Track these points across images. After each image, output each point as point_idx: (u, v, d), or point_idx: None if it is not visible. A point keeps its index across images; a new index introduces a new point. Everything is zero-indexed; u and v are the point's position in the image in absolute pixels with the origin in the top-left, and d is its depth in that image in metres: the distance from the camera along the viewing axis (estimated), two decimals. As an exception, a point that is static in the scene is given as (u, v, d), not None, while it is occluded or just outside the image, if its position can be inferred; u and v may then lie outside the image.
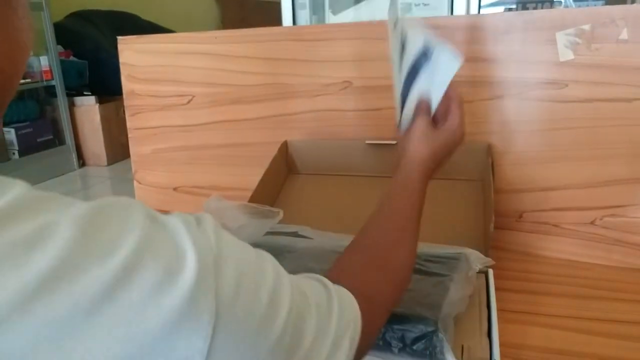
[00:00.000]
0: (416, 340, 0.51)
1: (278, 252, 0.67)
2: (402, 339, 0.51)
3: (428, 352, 0.50)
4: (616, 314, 0.69)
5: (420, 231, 0.75)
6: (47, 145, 3.30)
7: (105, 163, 3.49)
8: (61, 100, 3.32)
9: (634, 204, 0.81)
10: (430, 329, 0.51)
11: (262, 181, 0.86)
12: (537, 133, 0.85)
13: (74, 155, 3.43)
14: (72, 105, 3.45)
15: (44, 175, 3.20)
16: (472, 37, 0.85)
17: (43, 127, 3.30)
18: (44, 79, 3.22)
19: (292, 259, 0.68)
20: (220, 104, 1.07)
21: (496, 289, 0.64)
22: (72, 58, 3.59)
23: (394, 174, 0.57)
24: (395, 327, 0.52)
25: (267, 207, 0.75)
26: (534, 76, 0.83)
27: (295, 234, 0.76)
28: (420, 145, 0.59)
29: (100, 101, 3.43)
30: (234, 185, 1.09)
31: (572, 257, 0.84)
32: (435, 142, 0.59)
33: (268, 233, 0.73)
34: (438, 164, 0.60)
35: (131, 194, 1.22)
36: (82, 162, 3.51)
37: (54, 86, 3.27)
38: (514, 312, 0.69)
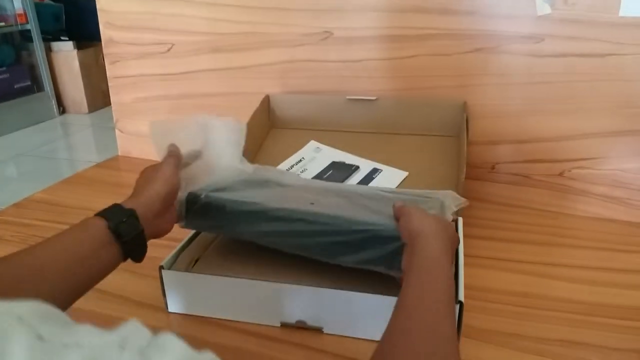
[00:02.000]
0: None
1: (266, 185, 0.70)
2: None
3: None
4: (577, 260, 0.74)
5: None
6: (25, 91, 3.23)
7: (86, 110, 3.43)
8: (37, 45, 3.22)
9: (601, 157, 0.84)
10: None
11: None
12: (513, 87, 0.87)
13: (54, 102, 3.37)
14: (49, 50, 3.35)
15: (24, 122, 3.15)
16: (451, -11, 0.85)
17: (20, 73, 3.22)
18: (19, 23, 3.12)
19: (283, 191, 0.70)
20: (200, 53, 1.06)
21: (466, 236, 0.67)
22: (47, 1, 3.46)
23: (411, 265, 0.49)
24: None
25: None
26: (511, 30, 0.84)
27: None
28: (425, 218, 0.53)
29: (79, 47, 3.34)
30: (215, 135, 1.10)
31: (541, 207, 0.88)
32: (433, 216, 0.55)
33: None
34: (450, 235, 0.53)
35: (114, 141, 1.22)
36: (62, 109, 3.46)
37: (29, 30, 3.17)
38: (481, 258, 0.73)
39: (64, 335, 0.22)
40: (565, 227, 0.83)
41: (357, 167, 0.83)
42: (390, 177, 0.81)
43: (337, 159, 0.86)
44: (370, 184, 0.79)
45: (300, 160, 0.85)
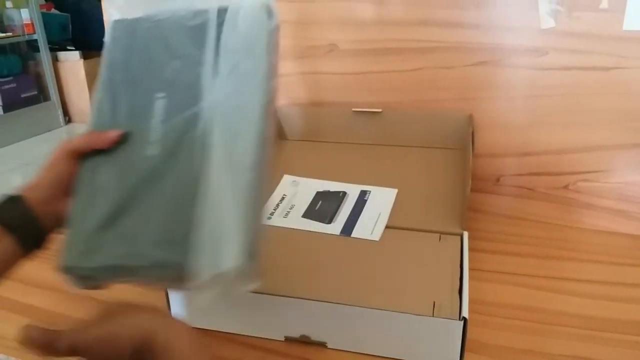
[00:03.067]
0: None
1: None
2: None
3: None
4: (585, 274, 0.73)
5: (400, 195, 0.79)
6: (32, 101, 3.26)
7: (92, 120, 3.46)
8: (44, 55, 3.26)
9: (606, 170, 0.84)
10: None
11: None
12: (517, 100, 0.87)
13: (60, 112, 3.40)
14: (55, 60, 3.39)
15: (30, 132, 3.17)
16: (453, 1, 0.86)
17: (27, 83, 3.25)
18: (26, 33, 3.15)
19: None
20: (207, 65, 1.07)
21: (471, 249, 0.67)
22: (53, 10, 3.50)
23: None
24: None
25: None
26: (515, 43, 0.84)
27: None
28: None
29: (84, 56, 3.38)
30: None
31: (546, 220, 0.87)
32: None
33: None
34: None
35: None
36: (68, 118, 3.48)
37: (36, 40, 3.20)
38: (486, 272, 0.73)
39: None
40: (571, 240, 0.83)
41: (345, 193, 0.81)
42: (382, 197, 0.79)
43: (320, 189, 0.82)
44: (365, 207, 0.77)
45: (283, 198, 0.80)
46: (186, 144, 0.47)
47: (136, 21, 0.55)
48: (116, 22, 0.56)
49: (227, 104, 0.46)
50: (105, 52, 0.55)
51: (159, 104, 0.50)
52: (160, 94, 0.50)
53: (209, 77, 0.48)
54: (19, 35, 3.14)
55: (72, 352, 0.36)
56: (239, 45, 0.48)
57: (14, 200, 0.47)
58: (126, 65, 0.54)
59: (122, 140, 0.50)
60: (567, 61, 0.82)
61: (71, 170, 0.51)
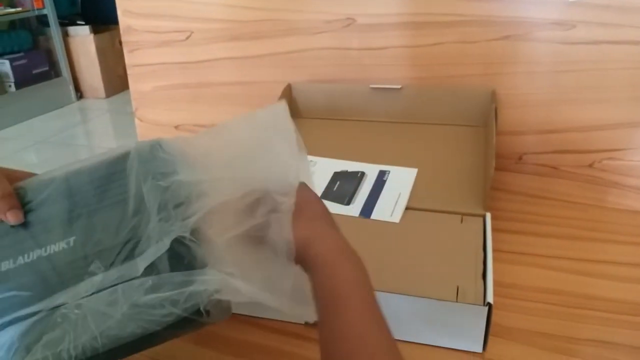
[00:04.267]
0: None
1: None
2: None
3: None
4: (609, 256, 0.71)
5: (421, 175, 0.77)
6: (43, 77, 3.25)
7: (104, 95, 3.45)
8: (54, 30, 3.24)
9: (632, 148, 0.81)
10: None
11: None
12: (542, 75, 0.84)
13: (72, 88, 3.39)
14: (65, 35, 3.37)
15: (43, 108, 3.18)
16: (480, -27, 0.83)
17: (38, 58, 3.24)
18: (35, 7, 3.13)
19: None
20: (220, 41, 1.05)
21: (493, 230, 0.66)
22: (62, -16, 3.46)
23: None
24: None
25: None
26: (541, 16, 0.81)
27: None
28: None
29: (94, 31, 3.35)
30: (235, 124, 1.09)
31: (570, 199, 0.85)
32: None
33: None
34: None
35: (132, 127, 1.22)
36: (79, 94, 3.48)
37: (45, 15, 3.18)
38: (509, 253, 0.72)
39: None
40: (596, 220, 0.80)
41: (363, 173, 0.79)
42: (401, 177, 0.77)
43: (337, 169, 0.81)
44: (384, 188, 0.75)
45: None
46: None
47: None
48: None
49: None
50: None
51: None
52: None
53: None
54: (29, 10, 3.11)
55: None
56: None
57: None
58: None
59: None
60: (595, 35, 0.79)
61: None
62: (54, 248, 0.43)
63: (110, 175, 0.46)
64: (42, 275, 0.42)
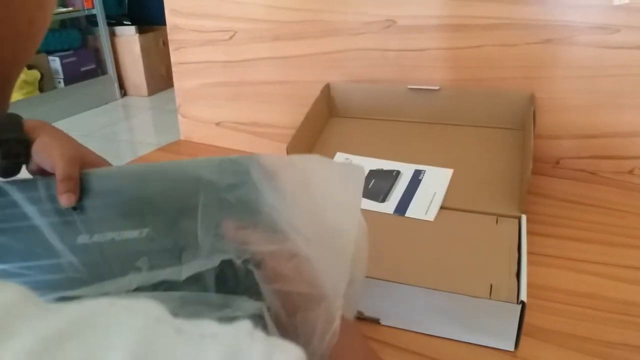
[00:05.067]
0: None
1: None
2: None
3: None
4: (647, 263, 0.71)
5: (457, 176, 0.77)
6: (91, 74, 3.38)
7: (146, 93, 3.55)
8: (102, 30, 3.35)
9: (676, 155, 0.80)
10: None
11: (303, 123, 0.88)
12: (582, 79, 0.83)
13: (116, 85, 3.51)
14: (112, 35, 3.48)
15: (89, 104, 3.29)
16: (522, -24, 0.83)
17: (86, 57, 3.37)
18: (85, 7, 3.25)
19: None
20: (262, 41, 1.07)
21: (528, 233, 0.66)
22: (111, -14, 3.58)
23: None
24: None
25: None
26: (584, 20, 0.80)
27: None
28: None
29: (140, 31, 3.45)
30: (274, 123, 1.12)
31: (608, 205, 0.84)
32: None
33: None
34: None
35: (173, 125, 1.26)
36: (123, 92, 3.59)
37: (94, 15, 3.30)
38: (544, 256, 0.72)
39: (196, 327, 0.24)
40: (634, 227, 0.79)
41: (399, 172, 0.80)
42: (437, 177, 0.78)
43: (373, 167, 0.82)
44: (420, 187, 0.76)
45: None
46: None
47: None
48: None
49: None
50: None
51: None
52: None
53: None
54: (79, 10, 3.23)
55: None
56: None
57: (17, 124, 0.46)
58: None
59: None
60: (639, 40, 0.78)
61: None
62: (126, 235, 0.44)
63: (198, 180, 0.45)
64: (104, 259, 0.43)
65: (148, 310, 0.24)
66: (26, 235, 0.43)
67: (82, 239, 0.43)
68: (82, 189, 0.45)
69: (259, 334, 0.25)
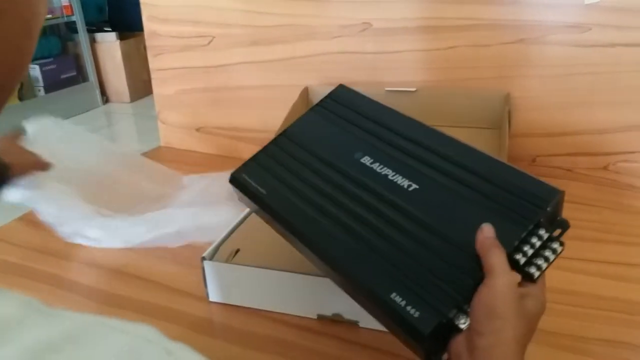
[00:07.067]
0: None
1: None
2: None
3: None
4: (623, 257, 0.71)
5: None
6: (71, 81, 3.34)
7: (129, 100, 3.53)
8: (82, 36, 3.32)
9: (648, 150, 0.81)
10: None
11: (282, 127, 0.88)
12: (556, 78, 0.84)
13: (98, 92, 3.48)
14: (93, 41, 3.46)
15: (70, 112, 3.26)
16: (494, -23, 0.84)
17: (66, 64, 3.33)
18: (64, 14, 3.22)
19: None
20: (240, 46, 1.07)
21: (505, 231, 0.66)
22: (90, -8, 3.55)
23: None
24: None
25: None
26: (556, 19, 0.81)
27: None
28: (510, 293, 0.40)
29: (120, 37, 3.43)
30: (254, 127, 1.12)
31: (584, 202, 0.85)
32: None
33: None
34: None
35: (156, 130, 1.25)
36: (105, 98, 3.56)
37: (74, 22, 3.27)
38: (521, 254, 0.72)
39: (190, 352, 0.25)
40: (611, 222, 0.80)
41: None
42: None
43: None
44: None
45: None
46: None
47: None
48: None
49: None
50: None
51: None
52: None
53: None
54: (58, 17, 3.20)
55: None
56: None
57: None
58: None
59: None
60: (611, 37, 0.79)
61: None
62: (400, 180, 0.49)
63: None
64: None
65: (140, 332, 0.24)
66: None
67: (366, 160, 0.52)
68: None
69: None
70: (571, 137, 0.86)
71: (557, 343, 0.57)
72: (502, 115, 0.84)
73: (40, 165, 0.71)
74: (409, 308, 0.41)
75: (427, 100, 0.92)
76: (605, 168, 0.85)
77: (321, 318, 0.61)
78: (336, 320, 0.60)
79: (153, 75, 1.20)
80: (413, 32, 0.92)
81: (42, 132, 0.77)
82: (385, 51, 0.95)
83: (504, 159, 0.73)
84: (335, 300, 0.60)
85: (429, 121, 0.92)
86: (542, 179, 0.89)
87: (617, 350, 0.56)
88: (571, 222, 0.79)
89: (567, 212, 0.82)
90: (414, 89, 0.93)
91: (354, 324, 0.60)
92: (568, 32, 0.81)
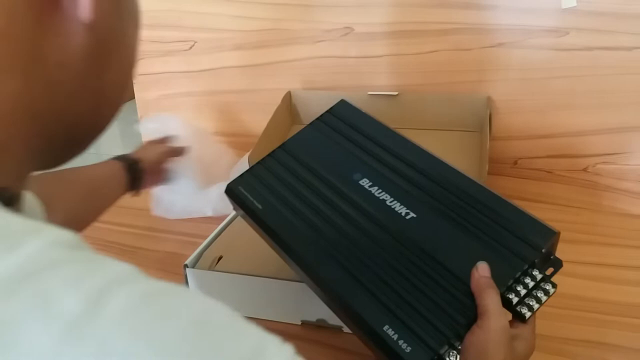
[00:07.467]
0: None
1: None
2: None
3: None
4: (604, 258, 0.72)
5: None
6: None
7: (111, 104, 3.50)
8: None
9: (627, 152, 0.82)
10: None
11: (265, 131, 0.88)
12: (536, 81, 0.85)
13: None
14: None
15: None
16: (473, -18, 0.84)
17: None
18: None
19: None
20: (222, 50, 1.07)
21: (487, 234, 0.67)
22: None
23: None
24: None
25: None
26: (535, 24, 0.82)
27: None
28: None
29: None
30: (237, 132, 1.11)
31: (565, 203, 0.86)
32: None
33: None
34: None
35: (137, 135, 1.24)
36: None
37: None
38: (503, 256, 0.73)
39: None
40: (590, 223, 0.82)
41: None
42: None
43: None
44: None
45: None
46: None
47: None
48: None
49: None
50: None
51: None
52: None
53: None
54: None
55: None
56: None
57: (133, 158, 0.70)
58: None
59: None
60: (588, 41, 0.80)
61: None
62: (398, 207, 0.49)
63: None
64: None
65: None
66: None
67: (364, 182, 0.52)
68: None
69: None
70: (551, 139, 0.87)
71: (540, 345, 0.57)
72: (483, 119, 0.85)
73: (176, 152, 0.78)
74: (401, 342, 0.41)
75: (409, 104, 0.93)
76: (585, 170, 0.86)
77: (305, 324, 0.61)
78: (320, 325, 0.60)
79: (134, 80, 1.19)
80: (395, 36, 0.92)
81: (160, 128, 0.88)
82: (368, 55, 0.95)
83: (484, 161, 0.74)
84: (319, 305, 0.59)
85: (411, 124, 0.93)
86: (524, 181, 0.91)
87: (598, 351, 0.57)
88: (552, 224, 0.81)
89: (547, 214, 0.83)
90: (396, 93, 0.93)
91: (338, 330, 0.60)
92: (547, 36, 0.82)
